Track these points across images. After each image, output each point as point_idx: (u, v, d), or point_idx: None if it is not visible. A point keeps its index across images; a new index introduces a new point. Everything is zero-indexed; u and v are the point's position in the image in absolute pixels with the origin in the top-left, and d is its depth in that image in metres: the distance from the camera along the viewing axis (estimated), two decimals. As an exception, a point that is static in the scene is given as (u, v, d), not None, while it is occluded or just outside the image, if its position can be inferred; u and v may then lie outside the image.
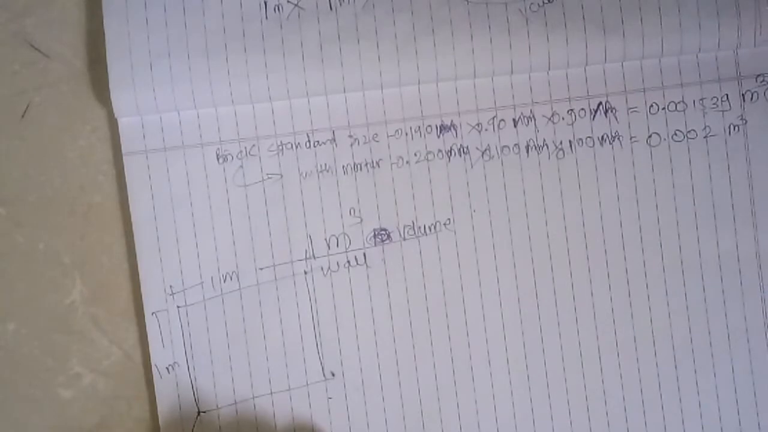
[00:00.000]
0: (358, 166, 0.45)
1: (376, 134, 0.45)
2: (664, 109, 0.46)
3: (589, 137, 0.46)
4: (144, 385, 0.46)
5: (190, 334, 0.45)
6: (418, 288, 0.45)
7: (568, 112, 0.45)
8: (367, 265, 0.45)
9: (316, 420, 0.45)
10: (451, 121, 0.45)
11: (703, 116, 0.46)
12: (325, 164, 0.45)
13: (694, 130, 0.46)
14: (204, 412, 0.45)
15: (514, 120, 0.45)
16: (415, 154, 0.45)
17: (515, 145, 0.46)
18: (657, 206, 0.46)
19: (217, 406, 0.45)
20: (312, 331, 0.45)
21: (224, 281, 0.45)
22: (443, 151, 0.45)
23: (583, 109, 0.46)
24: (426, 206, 0.45)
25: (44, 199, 0.46)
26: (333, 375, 0.45)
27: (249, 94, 0.44)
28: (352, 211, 0.45)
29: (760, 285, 0.46)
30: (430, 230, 0.45)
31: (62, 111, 0.46)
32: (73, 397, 0.46)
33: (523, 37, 0.44)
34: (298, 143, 0.45)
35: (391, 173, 0.45)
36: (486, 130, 0.45)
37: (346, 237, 0.45)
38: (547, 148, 0.46)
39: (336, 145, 0.45)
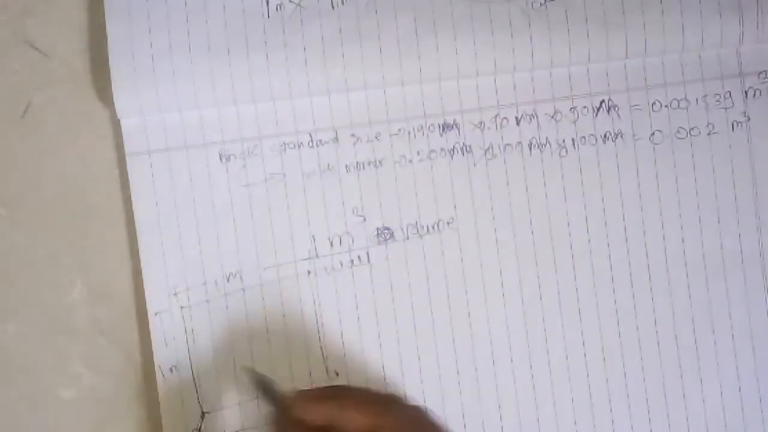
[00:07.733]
0: (361, 165, 0.45)
1: (378, 133, 0.45)
2: (666, 106, 0.46)
3: (591, 135, 0.46)
4: (144, 385, 0.45)
5: (193, 335, 0.45)
6: (422, 286, 0.45)
7: (570, 110, 0.46)
8: (370, 264, 0.45)
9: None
10: (454, 119, 0.45)
11: (706, 113, 0.46)
12: (328, 164, 0.45)
13: (697, 127, 0.46)
14: (208, 412, 0.45)
15: (516, 118, 0.46)
16: (418, 153, 0.45)
17: (518, 143, 0.46)
18: (660, 204, 0.46)
19: (221, 406, 0.45)
20: (316, 330, 0.45)
21: (228, 281, 0.45)
22: (446, 150, 0.46)
23: (585, 107, 0.46)
24: (429, 205, 0.45)
25: (44, 199, 0.45)
26: (337, 374, 0.45)
27: (251, 94, 0.44)
28: (355, 210, 0.45)
29: (764, 282, 0.46)
30: (433, 229, 0.45)
31: (62, 111, 0.46)
32: (73, 397, 0.45)
33: (525, 35, 0.44)
34: (301, 143, 0.45)
35: (394, 172, 0.45)
36: (488, 128, 0.46)
37: (350, 236, 0.45)
38: (550, 146, 0.46)
39: (338, 144, 0.45)
